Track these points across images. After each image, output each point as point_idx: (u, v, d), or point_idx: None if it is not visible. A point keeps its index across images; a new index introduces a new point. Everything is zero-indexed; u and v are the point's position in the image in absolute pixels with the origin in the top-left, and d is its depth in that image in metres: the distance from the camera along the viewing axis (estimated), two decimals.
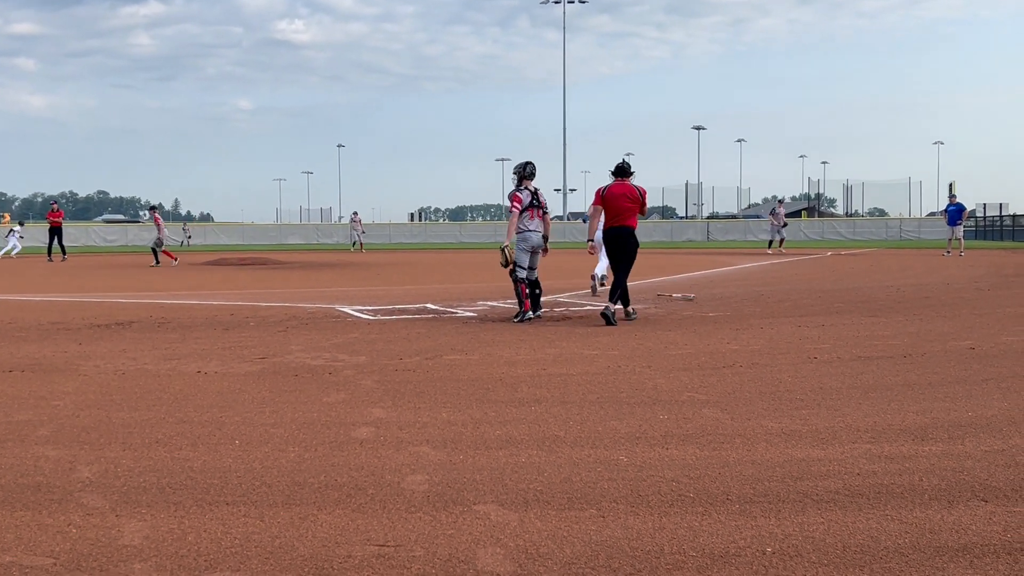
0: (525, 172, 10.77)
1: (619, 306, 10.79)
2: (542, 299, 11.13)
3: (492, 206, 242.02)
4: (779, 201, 37.20)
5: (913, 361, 7.26)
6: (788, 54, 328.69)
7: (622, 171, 11.15)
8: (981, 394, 5.91)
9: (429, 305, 12.53)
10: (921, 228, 58.75)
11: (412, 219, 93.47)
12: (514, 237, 10.80)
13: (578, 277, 19.61)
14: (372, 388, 6.32)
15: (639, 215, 11.09)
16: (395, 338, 9.02)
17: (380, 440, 4.84)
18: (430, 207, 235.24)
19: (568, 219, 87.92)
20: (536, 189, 10.85)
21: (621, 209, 10.85)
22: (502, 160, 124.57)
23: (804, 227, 59.66)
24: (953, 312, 11.04)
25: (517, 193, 10.70)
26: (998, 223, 58.36)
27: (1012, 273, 19.67)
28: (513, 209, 10.69)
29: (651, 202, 13.06)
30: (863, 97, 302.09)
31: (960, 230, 29.92)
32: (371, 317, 11.06)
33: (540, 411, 5.52)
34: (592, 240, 11.50)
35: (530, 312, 10.52)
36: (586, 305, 12.45)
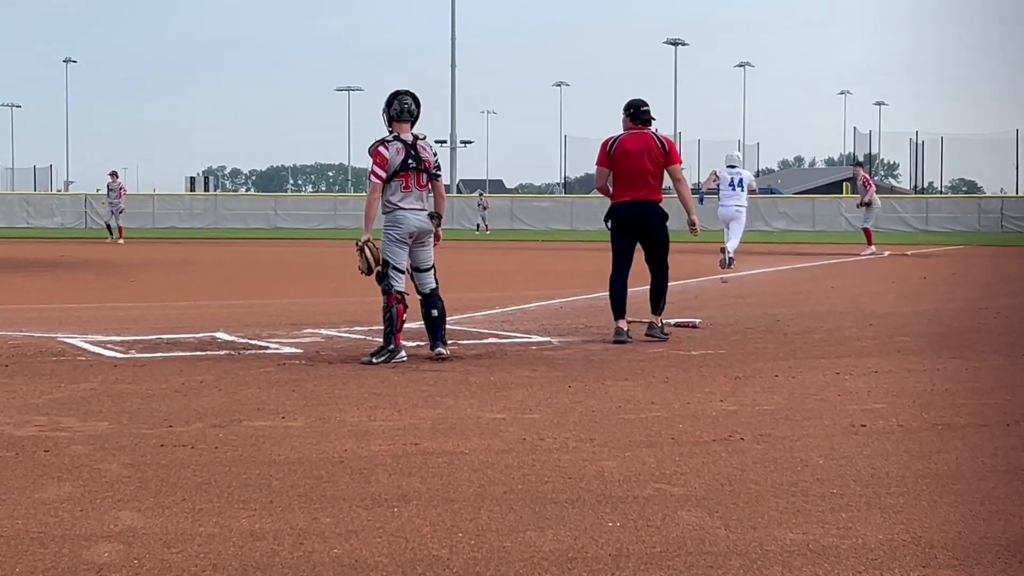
0: (393, 110, 10.74)
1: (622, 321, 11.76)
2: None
3: (330, 167, 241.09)
4: (856, 164, 38.12)
5: None
6: None
7: (640, 115, 11.63)
8: None
9: (221, 335, 12.41)
10: None
11: (192, 187, 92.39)
12: (376, 225, 10.74)
13: (472, 288, 19.62)
14: (120, 476, 6.25)
15: (676, 185, 11.87)
16: (161, 391, 8.93)
17: (133, 566, 4.77)
18: (222, 168, 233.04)
19: (460, 191, 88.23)
20: (417, 138, 10.79)
21: (639, 174, 11.41)
22: (347, 90, 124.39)
23: (845, 209, 60.89)
24: None
25: (380, 148, 10.65)
26: None
27: None
28: (371, 179, 10.60)
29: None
30: None
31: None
32: (120, 354, 10.95)
33: (409, 515, 5.53)
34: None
35: (403, 351, 10.41)
36: (487, 337, 12.47)
